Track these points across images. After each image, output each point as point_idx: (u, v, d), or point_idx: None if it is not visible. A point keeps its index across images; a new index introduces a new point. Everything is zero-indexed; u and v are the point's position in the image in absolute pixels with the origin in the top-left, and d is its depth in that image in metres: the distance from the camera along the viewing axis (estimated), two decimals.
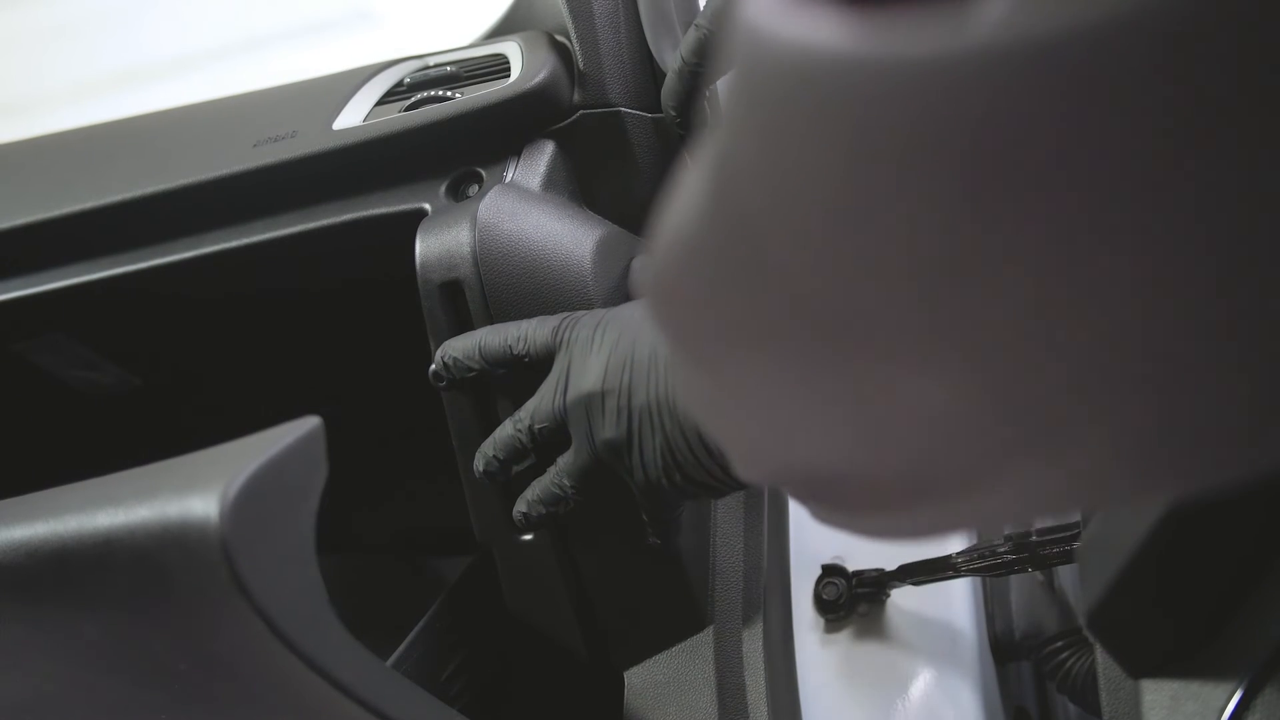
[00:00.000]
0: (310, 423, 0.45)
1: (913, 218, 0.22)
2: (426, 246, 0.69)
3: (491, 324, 0.68)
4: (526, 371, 0.65)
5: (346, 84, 0.84)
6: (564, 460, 0.63)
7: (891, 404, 0.26)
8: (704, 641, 0.72)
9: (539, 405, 0.63)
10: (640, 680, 0.72)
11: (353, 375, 0.95)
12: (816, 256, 0.24)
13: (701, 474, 0.59)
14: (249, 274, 0.82)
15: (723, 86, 0.24)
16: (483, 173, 0.74)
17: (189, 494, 0.42)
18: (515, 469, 0.66)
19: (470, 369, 0.66)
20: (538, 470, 0.65)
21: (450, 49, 0.87)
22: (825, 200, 0.23)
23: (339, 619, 0.48)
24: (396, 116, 0.77)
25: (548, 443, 0.64)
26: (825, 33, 0.22)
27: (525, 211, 0.70)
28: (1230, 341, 0.20)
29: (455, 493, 0.71)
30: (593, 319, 0.64)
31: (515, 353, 0.64)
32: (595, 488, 0.63)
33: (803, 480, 0.33)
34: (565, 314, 0.65)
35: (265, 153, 0.78)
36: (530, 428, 0.63)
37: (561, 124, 0.75)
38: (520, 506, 0.65)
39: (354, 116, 0.80)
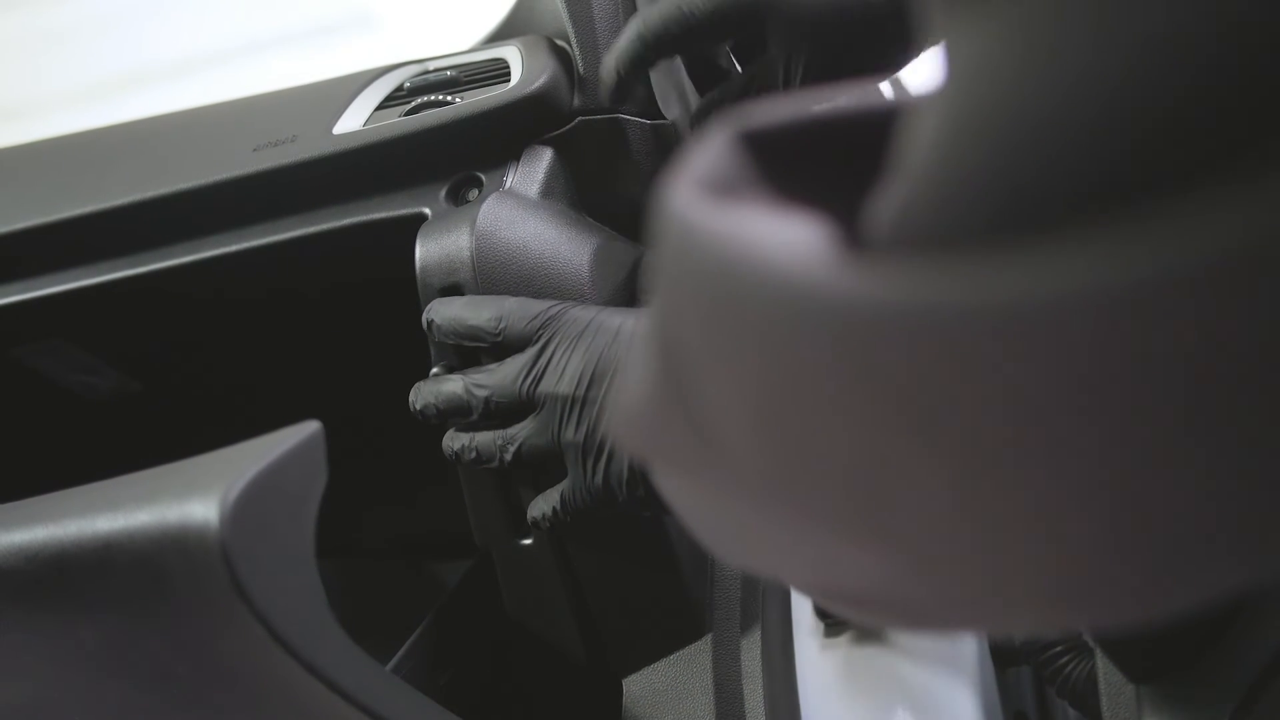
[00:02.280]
0: (310, 427, 0.45)
1: (827, 424, 0.23)
2: (426, 251, 0.69)
3: None
4: (499, 351, 0.65)
5: (347, 88, 0.84)
6: (523, 430, 0.63)
7: (835, 555, 0.27)
8: (702, 649, 0.72)
9: (502, 382, 0.63)
10: (638, 687, 0.72)
11: (352, 379, 0.95)
12: (747, 436, 0.26)
13: (659, 498, 0.60)
14: (249, 278, 0.82)
15: (655, 258, 0.26)
16: (483, 177, 0.74)
17: (189, 498, 0.42)
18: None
19: (450, 336, 0.66)
20: (546, 482, 0.65)
21: (450, 53, 0.87)
22: (751, 391, 0.24)
23: (338, 623, 0.48)
24: (397, 121, 0.77)
25: (495, 415, 0.64)
26: (749, 241, 0.23)
27: (523, 219, 0.70)
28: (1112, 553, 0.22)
29: (455, 497, 0.71)
30: (584, 316, 0.63)
31: (490, 332, 0.64)
32: (549, 469, 0.64)
33: (772, 577, 0.35)
34: (554, 302, 0.65)
35: (265, 157, 0.78)
36: (487, 400, 0.63)
37: (560, 130, 0.75)
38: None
39: (354, 121, 0.80)
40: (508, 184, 0.73)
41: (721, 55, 0.75)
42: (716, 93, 0.71)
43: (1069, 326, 0.19)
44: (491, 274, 0.67)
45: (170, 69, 2.86)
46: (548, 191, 0.73)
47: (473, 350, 0.67)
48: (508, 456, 0.64)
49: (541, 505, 0.65)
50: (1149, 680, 0.51)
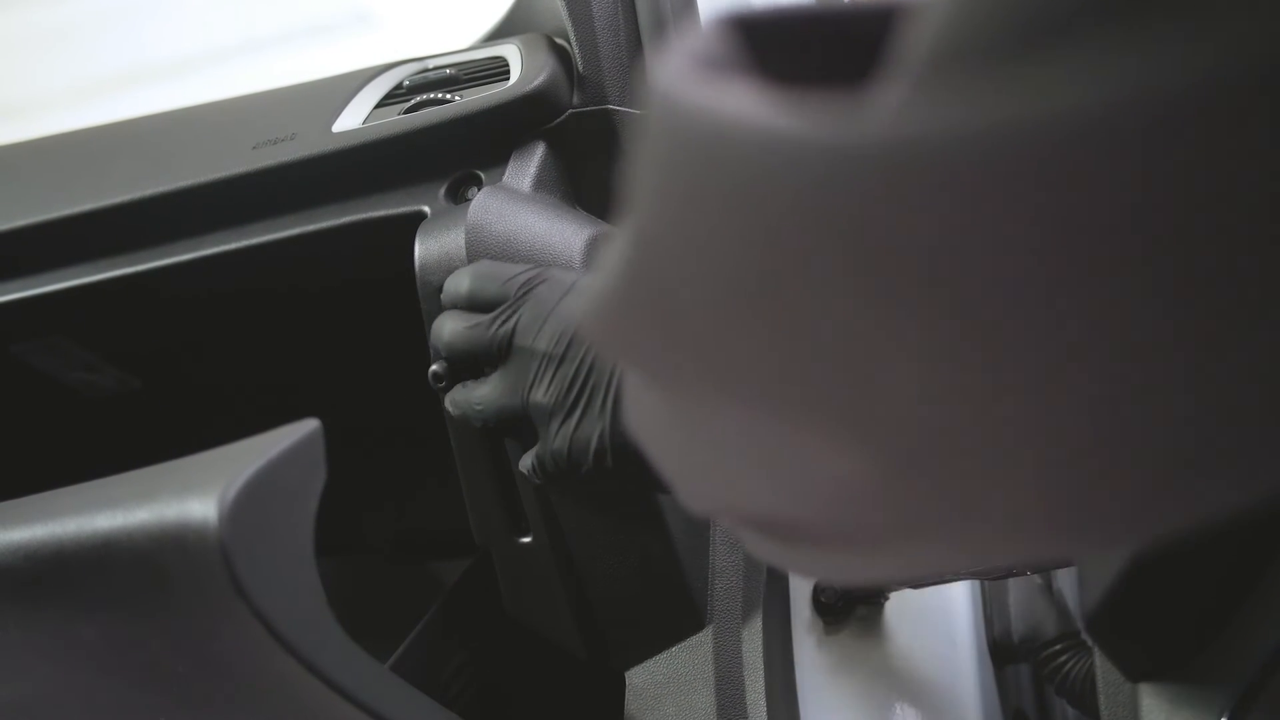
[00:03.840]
0: (309, 425, 0.45)
1: (809, 300, 0.22)
2: (425, 249, 0.69)
3: None
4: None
5: (346, 86, 0.84)
6: (486, 392, 0.62)
7: (803, 466, 0.26)
8: (703, 641, 0.72)
9: (466, 333, 0.62)
10: (640, 680, 0.72)
11: (352, 377, 0.95)
12: (722, 325, 0.25)
13: (627, 470, 0.59)
14: (248, 276, 0.82)
15: (637, 143, 0.25)
16: (482, 175, 0.74)
17: (188, 496, 0.42)
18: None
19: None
20: None
21: (450, 51, 0.87)
22: (731, 272, 0.23)
23: (337, 621, 0.48)
24: (396, 119, 0.77)
25: (460, 365, 0.63)
26: (734, 109, 0.23)
27: (514, 211, 0.70)
28: (1116, 418, 0.21)
29: (454, 495, 0.71)
30: (567, 278, 0.63)
31: (467, 288, 0.64)
32: (505, 429, 0.63)
33: (735, 517, 0.33)
34: (532, 266, 0.64)
35: (265, 155, 0.78)
36: (448, 347, 0.63)
37: (551, 124, 0.75)
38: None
39: (353, 119, 0.80)
40: (502, 179, 0.73)
41: None
42: None
43: (1050, 151, 0.18)
44: None
45: (170, 67, 2.86)
46: (540, 184, 0.73)
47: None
48: (480, 416, 0.62)
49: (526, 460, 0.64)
50: (1147, 678, 0.51)
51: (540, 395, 0.60)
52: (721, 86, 0.24)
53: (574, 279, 0.63)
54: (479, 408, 0.62)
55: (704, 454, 0.31)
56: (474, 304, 0.63)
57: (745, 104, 0.22)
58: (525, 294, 0.62)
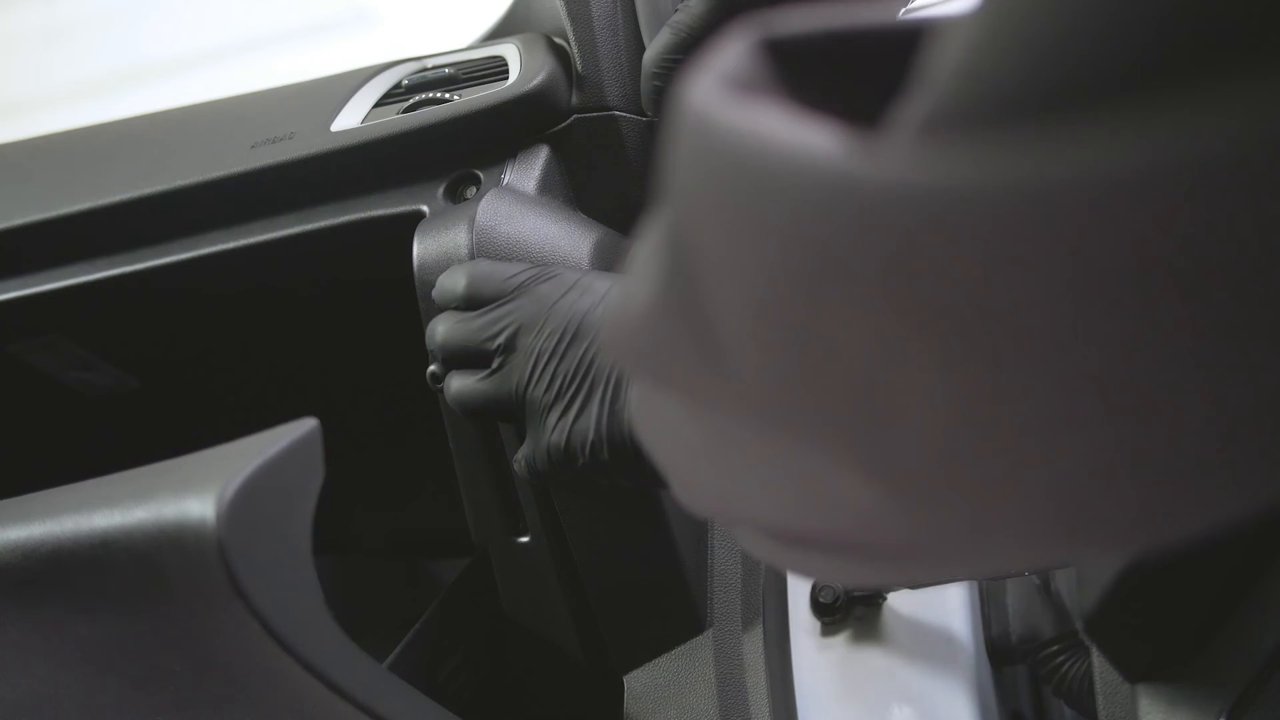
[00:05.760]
0: (307, 424, 0.45)
1: (836, 333, 0.23)
2: (424, 248, 0.69)
3: None
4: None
5: (344, 86, 0.84)
6: (482, 385, 0.62)
7: (826, 487, 0.26)
8: (703, 644, 0.72)
9: (468, 328, 0.62)
10: (640, 684, 0.72)
11: (350, 377, 0.95)
12: (752, 349, 0.25)
13: (623, 465, 0.59)
14: (246, 275, 0.82)
15: (669, 158, 0.25)
16: (480, 175, 0.74)
17: (186, 495, 0.42)
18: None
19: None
20: None
21: (448, 51, 0.87)
22: (765, 297, 0.24)
23: (335, 621, 0.48)
24: (394, 118, 0.77)
25: (453, 362, 0.63)
26: (771, 136, 0.23)
27: (522, 214, 0.70)
28: (1118, 460, 0.22)
29: (452, 494, 0.71)
30: (570, 277, 0.63)
31: (463, 286, 0.63)
32: (495, 418, 0.64)
33: (743, 522, 0.34)
34: (532, 265, 0.64)
35: (263, 154, 0.78)
36: (443, 346, 0.62)
37: (556, 127, 0.75)
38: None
39: (352, 118, 0.80)
40: (505, 181, 0.73)
41: None
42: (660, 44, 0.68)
43: (1080, 209, 0.19)
44: None
45: (169, 66, 2.86)
46: (544, 188, 0.73)
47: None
48: (468, 407, 0.62)
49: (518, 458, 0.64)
50: (1145, 679, 0.51)
51: (538, 390, 0.60)
52: (755, 110, 0.24)
53: (575, 278, 0.62)
54: (470, 400, 0.62)
55: (720, 464, 0.31)
56: (471, 302, 0.63)
57: (782, 132, 0.23)
58: (524, 292, 0.62)
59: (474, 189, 0.74)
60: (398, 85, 0.83)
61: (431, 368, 0.67)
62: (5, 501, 0.51)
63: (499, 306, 0.62)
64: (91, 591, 0.46)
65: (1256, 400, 0.20)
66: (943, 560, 0.28)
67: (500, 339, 0.61)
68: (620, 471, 0.60)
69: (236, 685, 0.49)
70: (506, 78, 0.78)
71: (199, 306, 0.89)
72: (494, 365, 0.61)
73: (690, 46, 0.66)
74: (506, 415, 0.62)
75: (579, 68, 0.76)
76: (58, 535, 0.45)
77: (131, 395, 0.96)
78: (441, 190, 0.74)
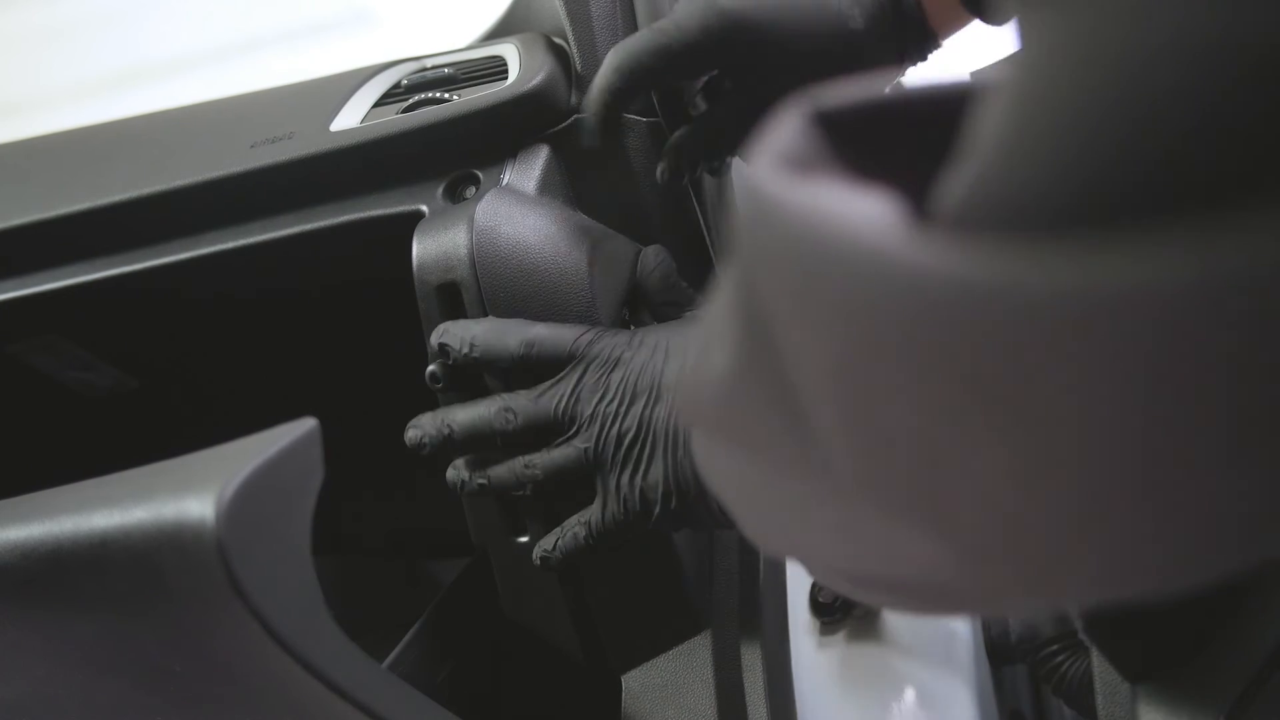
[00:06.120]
0: (307, 424, 0.45)
1: (898, 406, 0.24)
2: (423, 248, 0.69)
3: None
4: (524, 374, 0.64)
5: (344, 85, 0.84)
6: (555, 453, 0.63)
7: (889, 542, 0.28)
8: (702, 644, 0.72)
9: (541, 404, 0.63)
10: (638, 684, 0.72)
11: (349, 377, 0.95)
12: (818, 418, 0.27)
13: (692, 512, 0.61)
14: (245, 275, 0.82)
15: (735, 231, 0.28)
16: (480, 175, 0.74)
17: (185, 495, 0.42)
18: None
19: (463, 356, 0.65)
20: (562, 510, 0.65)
21: (448, 51, 0.87)
22: (833, 370, 0.26)
23: (335, 621, 0.48)
24: (394, 118, 0.77)
25: (521, 441, 0.63)
26: (833, 219, 0.24)
27: (523, 215, 0.70)
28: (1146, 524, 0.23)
29: (451, 495, 0.71)
30: (621, 337, 0.64)
31: (520, 354, 0.64)
32: (575, 496, 0.64)
33: (807, 561, 0.36)
34: (586, 327, 0.65)
35: (262, 154, 0.78)
36: (523, 424, 0.63)
37: (556, 128, 0.75)
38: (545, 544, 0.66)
39: (351, 118, 0.80)
40: (504, 181, 0.73)
41: (691, 94, 0.74)
42: (683, 133, 0.70)
43: (1138, 318, 0.20)
44: (491, 270, 0.67)
45: (168, 66, 2.85)
46: (544, 188, 0.73)
47: (481, 390, 0.67)
48: (536, 481, 0.63)
49: (556, 537, 0.65)
50: (1145, 678, 0.51)
51: (611, 450, 0.61)
52: (813, 187, 0.25)
53: (624, 339, 0.64)
54: (538, 472, 0.63)
55: (789, 514, 0.33)
56: (530, 365, 0.64)
57: (838, 209, 0.24)
58: (581, 359, 0.63)
59: (473, 189, 0.74)
60: (397, 85, 0.83)
61: (431, 368, 0.67)
62: (4, 501, 0.51)
63: (563, 380, 0.63)
64: (91, 592, 0.46)
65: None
66: (1000, 603, 0.30)
67: (566, 411, 0.62)
68: (689, 519, 0.62)
69: (236, 685, 0.49)
70: (506, 78, 0.78)
71: (198, 307, 0.89)
72: (568, 435, 0.62)
73: (666, 68, 0.66)
74: (577, 483, 0.63)
75: (578, 68, 0.76)
76: (57, 535, 0.45)
77: (131, 395, 0.96)
78: (441, 190, 0.74)
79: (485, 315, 0.68)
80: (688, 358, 0.60)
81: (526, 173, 0.73)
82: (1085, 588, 0.27)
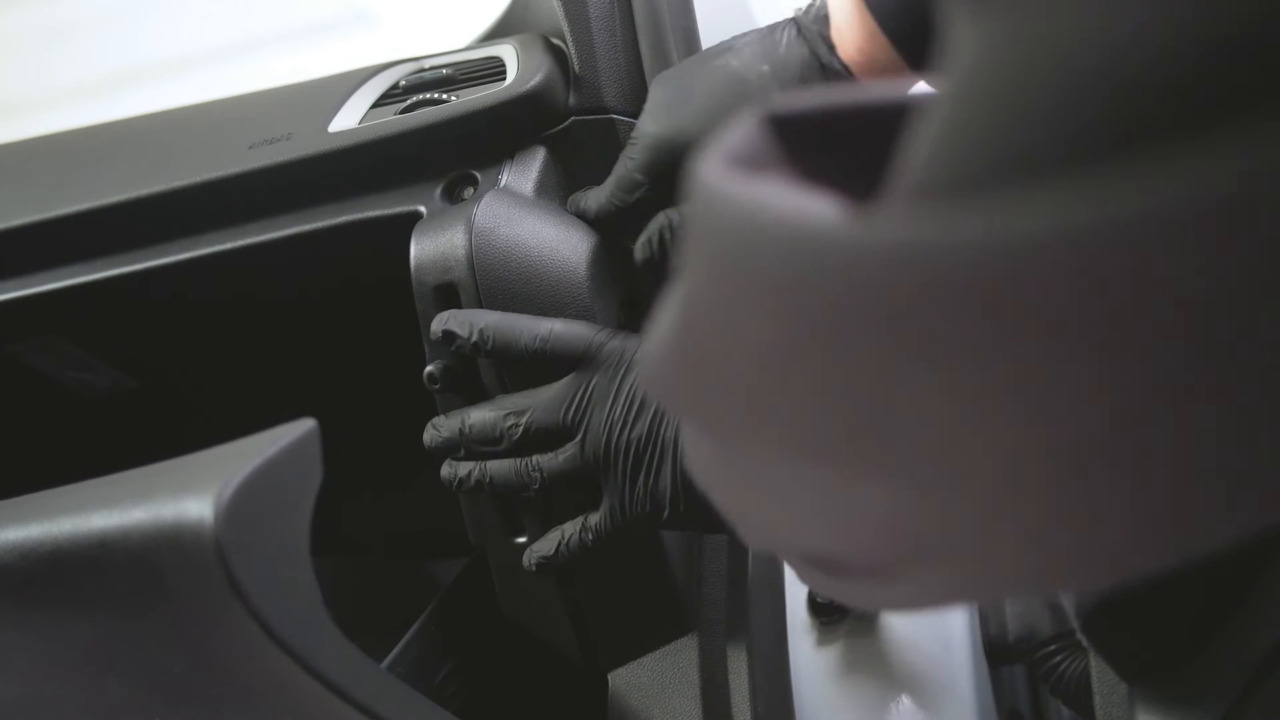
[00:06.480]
0: (305, 425, 0.45)
1: (834, 368, 0.25)
2: (421, 249, 0.69)
3: None
4: (532, 368, 0.65)
5: (342, 86, 0.84)
6: (561, 455, 0.63)
7: (843, 504, 0.29)
8: (689, 645, 0.72)
9: (547, 406, 0.63)
10: (624, 682, 0.72)
11: (347, 377, 0.95)
12: (757, 387, 0.28)
13: (698, 512, 0.61)
14: (244, 276, 0.82)
15: (683, 228, 0.29)
16: (478, 175, 0.74)
17: (184, 496, 0.42)
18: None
19: (472, 345, 0.65)
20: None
21: (446, 51, 0.87)
22: (766, 345, 0.26)
23: (333, 621, 0.48)
24: (392, 119, 0.77)
25: (530, 443, 0.64)
26: (770, 207, 0.26)
27: (521, 217, 0.70)
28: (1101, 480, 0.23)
29: (450, 496, 0.71)
30: (632, 343, 0.64)
31: (535, 348, 0.64)
32: (582, 490, 0.64)
33: (789, 552, 0.36)
34: (600, 327, 0.65)
35: (260, 155, 0.78)
36: (528, 427, 0.63)
37: (554, 129, 0.76)
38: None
39: (349, 119, 0.80)
40: (503, 182, 0.73)
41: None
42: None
43: (1069, 262, 0.21)
44: (490, 271, 0.68)
45: (167, 66, 2.85)
46: (542, 189, 0.73)
47: (471, 359, 0.67)
48: (540, 482, 0.64)
49: (555, 542, 0.65)
50: (1143, 679, 0.51)
51: (619, 458, 0.62)
52: (758, 184, 0.27)
53: (636, 341, 0.64)
54: (541, 474, 0.64)
55: (755, 496, 0.33)
56: (544, 360, 0.64)
57: (782, 203, 0.25)
58: (593, 357, 0.64)
59: (471, 190, 0.74)
60: (395, 86, 0.83)
61: (429, 368, 0.67)
62: (4, 502, 0.51)
63: (573, 382, 0.64)
64: (90, 592, 0.46)
65: (1254, 429, 0.21)
66: (958, 572, 0.29)
67: (575, 416, 0.63)
68: (695, 519, 0.62)
69: (235, 685, 0.49)
70: (504, 78, 0.78)
71: (197, 307, 0.89)
72: (576, 439, 0.63)
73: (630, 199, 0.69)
74: (581, 486, 0.64)
75: (576, 68, 0.76)
76: (56, 536, 0.45)
77: (130, 396, 0.97)
78: (439, 191, 0.74)
79: None
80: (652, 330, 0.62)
81: (524, 173, 0.73)
82: (1042, 542, 0.26)
